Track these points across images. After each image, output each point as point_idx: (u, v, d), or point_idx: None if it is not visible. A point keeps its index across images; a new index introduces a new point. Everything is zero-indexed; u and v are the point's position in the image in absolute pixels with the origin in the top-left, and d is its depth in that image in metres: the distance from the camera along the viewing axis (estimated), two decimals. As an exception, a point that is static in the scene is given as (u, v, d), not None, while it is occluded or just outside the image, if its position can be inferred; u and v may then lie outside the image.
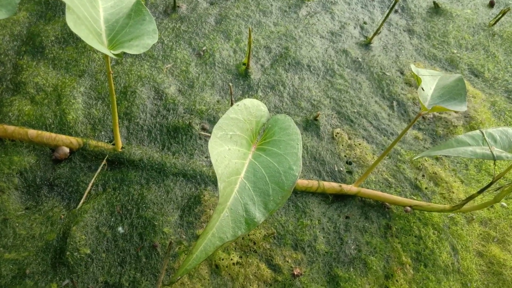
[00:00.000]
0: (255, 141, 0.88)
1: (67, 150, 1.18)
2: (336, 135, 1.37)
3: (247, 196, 0.74)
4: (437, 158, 1.38)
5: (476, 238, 1.21)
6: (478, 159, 1.39)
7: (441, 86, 1.06)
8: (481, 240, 1.21)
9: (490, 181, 1.25)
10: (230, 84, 1.05)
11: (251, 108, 0.87)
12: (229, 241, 0.70)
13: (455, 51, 1.75)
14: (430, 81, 1.09)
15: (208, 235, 0.68)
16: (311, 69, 1.55)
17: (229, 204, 0.72)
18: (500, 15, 1.86)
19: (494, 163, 0.90)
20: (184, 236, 1.08)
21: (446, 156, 1.39)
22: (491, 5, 2.01)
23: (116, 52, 0.88)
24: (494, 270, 1.15)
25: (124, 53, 0.89)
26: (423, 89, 1.02)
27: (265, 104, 1.23)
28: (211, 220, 0.70)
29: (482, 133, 0.94)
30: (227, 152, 0.78)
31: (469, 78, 1.67)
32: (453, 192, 1.29)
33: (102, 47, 0.85)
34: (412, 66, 1.05)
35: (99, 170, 1.17)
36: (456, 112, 1.53)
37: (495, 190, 1.09)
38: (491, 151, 0.91)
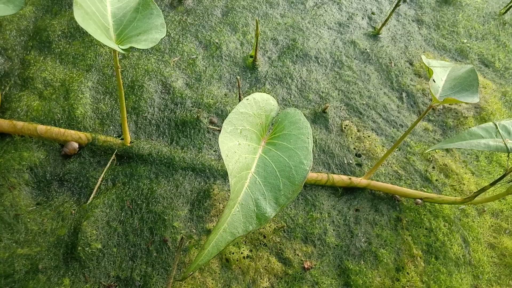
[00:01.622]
0: (265, 136, 0.87)
1: (76, 145, 1.18)
2: (345, 127, 1.36)
3: (257, 191, 0.74)
4: (447, 150, 1.36)
5: (487, 230, 1.20)
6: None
7: (453, 77, 1.05)
8: (492, 232, 1.20)
9: (501, 173, 1.24)
10: (238, 77, 1.04)
11: (260, 102, 0.87)
12: (240, 236, 0.70)
13: (465, 41, 1.73)
14: (441, 72, 1.07)
15: (219, 230, 0.68)
16: (319, 61, 1.54)
17: (240, 199, 0.72)
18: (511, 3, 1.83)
19: (508, 156, 0.88)
20: (194, 230, 1.08)
21: (457, 148, 1.38)
22: (502, -7, 1.98)
23: (124, 47, 0.88)
24: (506, 262, 1.14)
25: (132, 47, 0.89)
26: (434, 81, 1.01)
27: (273, 97, 1.22)
28: (222, 215, 0.70)
29: (496, 125, 0.93)
30: (237, 147, 0.77)
31: (479, 68, 1.65)
32: (463, 184, 1.28)
33: (110, 42, 0.84)
34: (423, 57, 1.03)
35: (108, 165, 1.17)
36: (467, 103, 1.51)
37: (508, 182, 1.08)
38: (504, 144, 0.90)
